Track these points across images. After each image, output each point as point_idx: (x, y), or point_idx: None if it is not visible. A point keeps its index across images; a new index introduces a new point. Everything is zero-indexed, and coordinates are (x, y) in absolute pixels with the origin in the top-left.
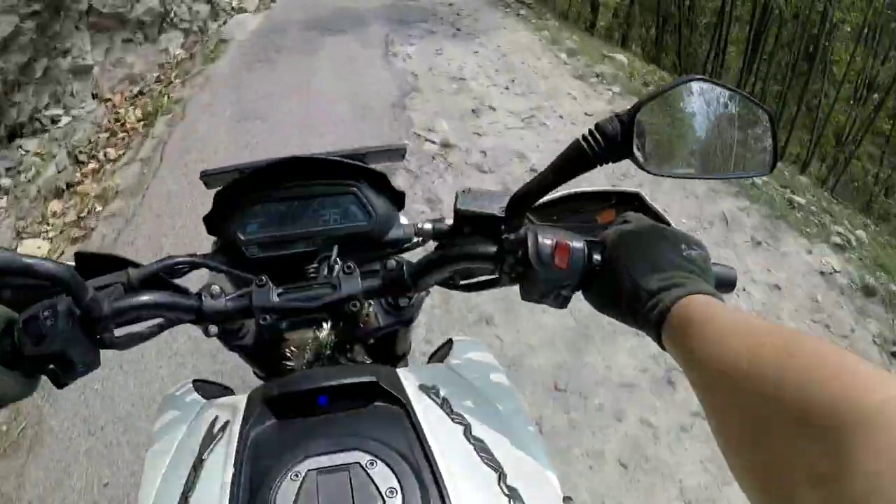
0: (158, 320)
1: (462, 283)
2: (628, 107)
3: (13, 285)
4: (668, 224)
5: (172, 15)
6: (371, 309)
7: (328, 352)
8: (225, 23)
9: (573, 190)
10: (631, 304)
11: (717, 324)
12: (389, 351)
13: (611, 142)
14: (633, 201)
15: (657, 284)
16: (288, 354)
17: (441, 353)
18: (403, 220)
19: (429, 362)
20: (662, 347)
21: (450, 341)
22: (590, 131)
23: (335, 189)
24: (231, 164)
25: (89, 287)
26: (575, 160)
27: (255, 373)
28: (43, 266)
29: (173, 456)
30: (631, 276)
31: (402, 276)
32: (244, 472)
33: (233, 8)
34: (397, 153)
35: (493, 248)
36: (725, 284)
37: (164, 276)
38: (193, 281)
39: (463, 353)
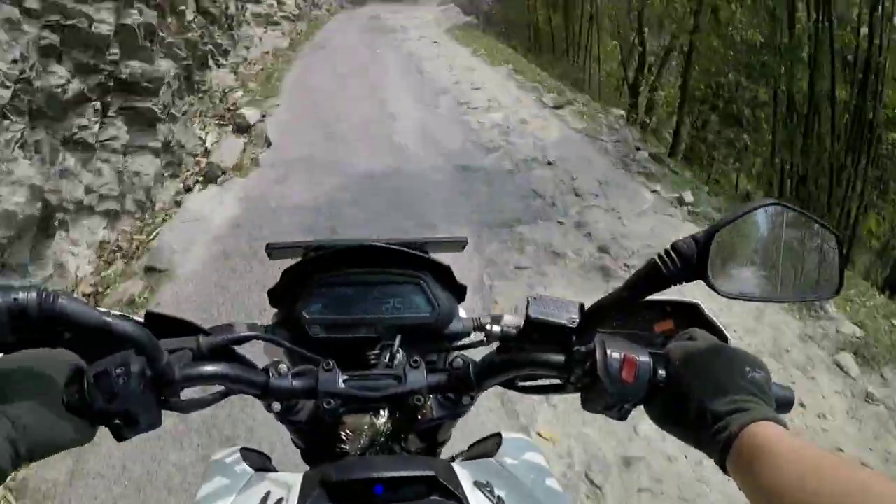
0: (222, 388)
1: (523, 384)
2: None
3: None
4: (726, 337)
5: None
6: (429, 402)
7: (382, 439)
8: (176, 207)
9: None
10: (695, 425)
11: (783, 454)
12: (433, 438)
13: (686, 262)
14: (690, 312)
15: (723, 408)
16: (343, 437)
17: (487, 446)
18: (462, 312)
19: (469, 448)
20: (725, 472)
21: (498, 435)
22: (666, 251)
23: (401, 278)
24: (297, 241)
25: (164, 352)
26: (650, 278)
27: (297, 447)
28: (122, 327)
29: None
30: (697, 397)
31: (468, 376)
32: None
33: (200, 170)
34: (457, 245)
35: (562, 358)
36: (784, 405)
37: (232, 346)
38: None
39: (513, 451)
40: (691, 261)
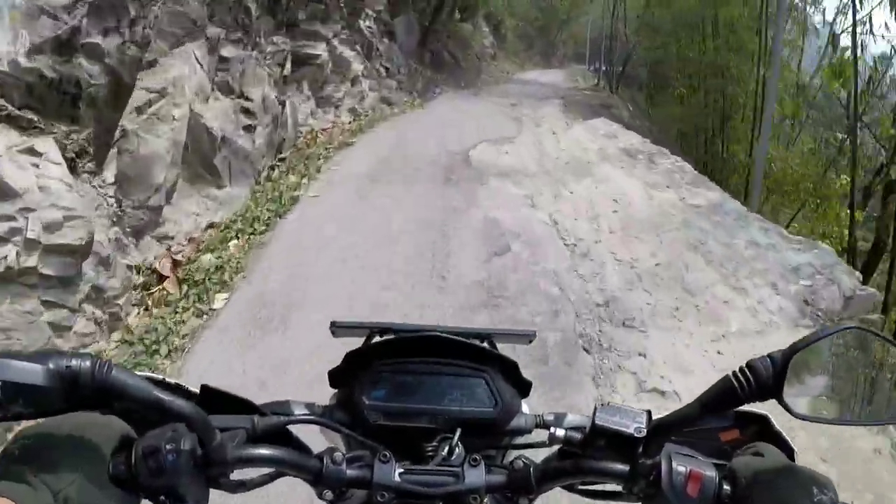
0: (272, 470)
1: (583, 488)
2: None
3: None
4: (792, 450)
5: None
6: (485, 501)
7: None
8: None
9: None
10: None
11: None
12: None
13: (761, 382)
14: (758, 423)
15: None
16: None
17: None
18: (525, 408)
19: None
20: None
21: None
22: (741, 369)
23: (465, 371)
24: (362, 322)
25: (217, 432)
26: (723, 396)
27: None
28: (175, 405)
29: None
30: None
31: (529, 479)
32: None
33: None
34: (525, 338)
35: (626, 468)
36: None
37: (287, 429)
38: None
39: None
40: (767, 381)
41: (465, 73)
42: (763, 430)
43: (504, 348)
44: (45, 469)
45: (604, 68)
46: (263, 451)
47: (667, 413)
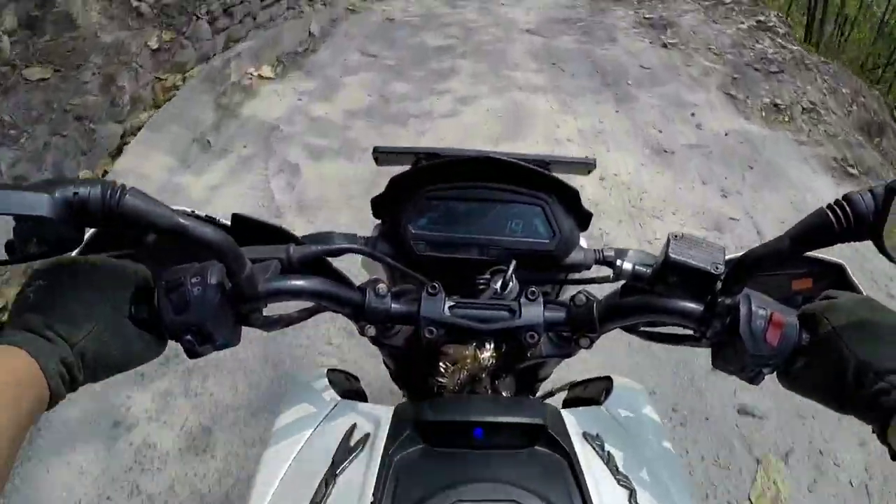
0: (310, 305)
1: (647, 329)
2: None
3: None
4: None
5: None
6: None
7: (483, 375)
8: None
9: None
10: (853, 384)
11: None
12: (533, 375)
13: (860, 219)
14: (833, 273)
15: (888, 364)
16: (442, 369)
17: (593, 390)
18: (583, 242)
19: (571, 388)
20: (884, 440)
21: (608, 379)
22: (837, 202)
23: (522, 199)
24: (407, 147)
25: (247, 262)
26: (816, 231)
27: (388, 367)
28: (199, 230)
29: (300, 457)
30: (854, 354)
31: (591, 316)
32: (385, 501)
33: None
34: (585, 167)
35: (700, 308)
36: None
37: (326, 258)
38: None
39: (625, 401)
40: (867, 217)
41: None
42: (838, 280)
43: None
44: (61, 318)
45: None
46: (298, 282)
47: (749, 250)
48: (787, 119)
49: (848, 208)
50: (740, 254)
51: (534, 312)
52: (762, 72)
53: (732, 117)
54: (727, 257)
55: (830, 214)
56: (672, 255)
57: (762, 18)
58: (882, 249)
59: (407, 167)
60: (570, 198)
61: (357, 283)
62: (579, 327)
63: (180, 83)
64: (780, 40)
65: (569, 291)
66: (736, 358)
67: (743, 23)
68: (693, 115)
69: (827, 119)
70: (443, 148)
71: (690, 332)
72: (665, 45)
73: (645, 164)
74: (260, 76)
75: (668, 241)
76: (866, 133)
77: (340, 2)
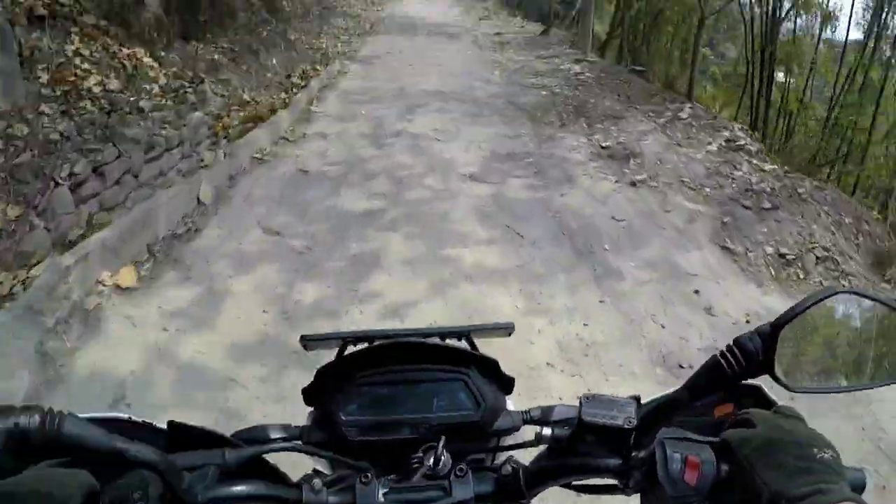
0: None
1: (578, 483)
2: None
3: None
4: (798, 418)
5: None
6: None
7: None
8: None
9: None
10: None
11: None
12: None
13: (751, 359)
14: (751, 394)
15: (798, 491)
16: None
17: None
18: (510, 404)
19: None
20: None
21: None
22: (728, 348)
23: (444, 375)
24: (333, 333)
25: (185, 475)
26: (712, 377)
27: None
28: (136, 453)
29: None
30: (768, 485)
31: (519, 484)
32: None
33: None
34: (504, 331)
35: (619, 461)
36: (856, 488)
37: (262, 457)
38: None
39: None
40: (756, 357)
41: (291, 26)
42: (758, 401)
43: (482, 344)
44: None
45: None
46: (236, 487)
47: (655, 398)
48: (801, 276)
49: (738, 352)
50: (652, 398)
51: (464, 489)
52: (753, 209)
53: (742, 286)
54: (644, 401)
55: (723, 361)
56: (585, 418)
57: (727, 135)
58: (779, 382)
59: (335, 350)
60: (489, 367)
61: (299, 466)
62: (509, 496)
63: (18, 289)
64: (755, 161)
65: (503, 456)
66: (661, 501)
67: (710, 143)
68: (697, 292)
69: (845, 267)
70: (369, 330)
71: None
72: (634, 184)
73: None
74: (116, 285)
75: (580, 402)
76: (877, 267)
77: (245, 149)
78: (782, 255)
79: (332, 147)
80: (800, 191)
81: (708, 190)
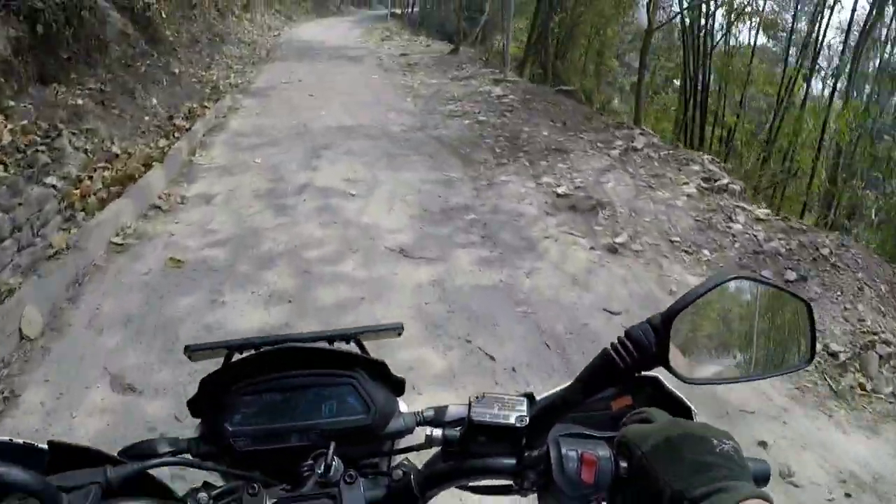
0: None
1: (473, 484)
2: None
3: None
4: (689, 409)
5: None
6: None
7: None
8: None
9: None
10: None
11: None
12: None
13: (643, 351)
14: (649, 385)
15: (699, 491)
16: None
17: None
18: (403, 406)
19: None
20: None
21: None
22: (620, 340)
23: (331, 380)
24: (218, 340)
25: (62, 496)
26: (604, 372)
27: None
28: (14, 476)
29: None
30: (669, 485)
31: (410, 488)
32: None
33: None
34: (393, 331)
35: (513, 461)
36: (760, 480)
37: (148, 473)
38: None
39: None
40: (649, 349)
41: (176, 57)
42: (656, 392)
43: (371, 346)
44: None
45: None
46: None
47: (548, 394)
48: (865, 386)
49: (629, 344)
50: (545, 395)
51: (355, 495)
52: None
53: (812, 417)
54: (539, 397)
55: (614, 354)
56: (475, 418)
57: (698, 169)
58: (673, 373)
59: (220, 360)
60: (378, 369)
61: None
62: (401, 501)
63: None
64: (745, 206)
65: (397, 460)
66: (559, 499)
67: (685, 182)
68: (763, 444)
69: None
70: (254, 337)
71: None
72: (613, 250)
73: None
74: None
75: (469, 402)
76: None
77: (103, 229)
78: (833, 355)
79: (217, 217)
80: (823, 251)
81: (707, 252)
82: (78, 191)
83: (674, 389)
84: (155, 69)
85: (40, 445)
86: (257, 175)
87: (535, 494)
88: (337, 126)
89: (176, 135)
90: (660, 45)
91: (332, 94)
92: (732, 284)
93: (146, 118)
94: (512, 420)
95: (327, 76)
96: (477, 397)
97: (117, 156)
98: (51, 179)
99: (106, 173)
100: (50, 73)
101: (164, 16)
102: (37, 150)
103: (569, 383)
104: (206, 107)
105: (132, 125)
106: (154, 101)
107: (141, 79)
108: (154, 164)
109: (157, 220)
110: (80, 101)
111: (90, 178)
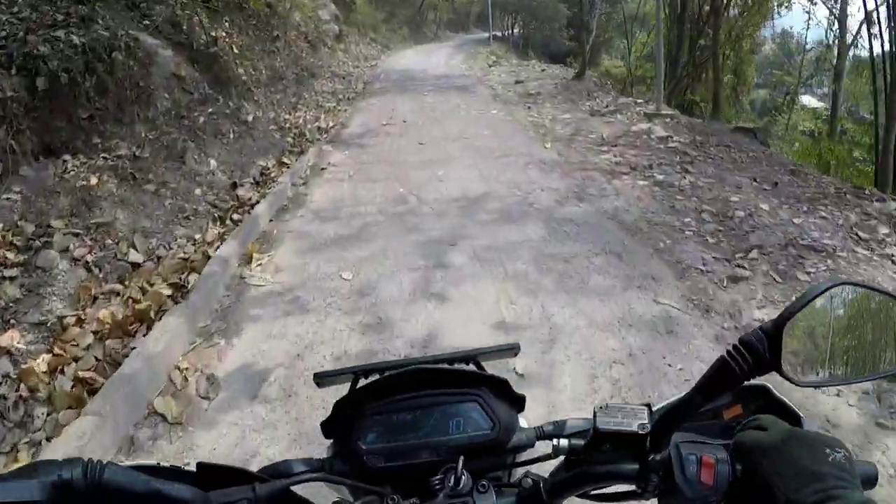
0: None
1: (595, 493)
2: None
3: None
4: (799, 416)
5: None
6: None
7: None
8: None
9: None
10: None
11: None
12: None
13: (757, 357)
14: (759, 395)
15: (812, 498)
16: None
17: None
18: (523, 422)
19: None
20: None
21: None
22: (735, 347)
23: (457, 398)
24: (346, 367)
25: None
26: (721, 378)
27: None
28: (173, 492)
29: None
30: (781, 491)
31: (540, 496)
32: None
33: None
34: (510, 351)
35: (636, 467)
36: (868, 483)
37: (290, 489)
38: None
39: None
40: (763, 355)
41: (250, 100)
42: (766, 401)
43: (490, 366)
44: None
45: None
46: None
47: (665, 403)
48: None
49: (745, 351)
50: (665, 403)
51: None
52: None
53: None
54: (655, 407)
55: (731, 361)
56: (600, 426)
57: None
58: (787, 378)
59: (347, 385)
60: (500, 387)
61: (326, 501)
62: None
63: None
64: None
65: (519, 472)
66: (681, 502)
67: None
68: None
69: None
70: (379, 362)
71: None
72: None
73: None
74: None
75: (595, 412)
76: None
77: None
78: None
79: (267, 437)
80: None
81: None
82: (44, 370)
83: (783, 397)
84: (220, 118)
85: (189, 468)
86: (344, 317)
87: (656, 500)
88: (461, 197)
89: (236, 216)
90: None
91: (447, 141)
92: (839, 290)
93: (197, 191)
94: (635, 427)
95: (436, 113)
96: (601, 407)
97: (137, 265)
98: (4, 340)
99: (103, 313)
100: (59, 140)
101: (235, 51)
102: (1, 278)
103: (686, 392)
104: (285, 163)
105: (173, 205)
106: (213, 163)
107: (196, 132)
108: (190, 282)
109: (155, 451)
110: (94, 180)
111: (81, 320)
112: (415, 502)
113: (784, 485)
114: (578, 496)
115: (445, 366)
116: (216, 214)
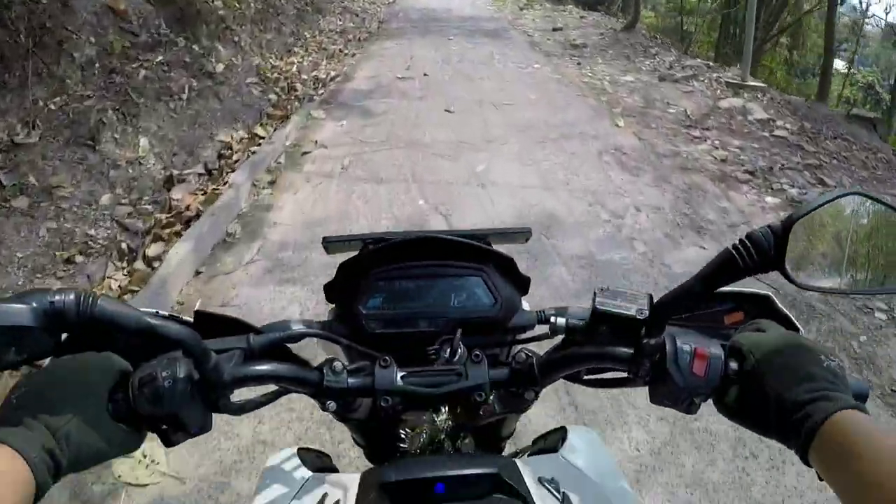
0: (275, 388)
1: (587, 377)
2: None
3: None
4: (798, 328)
5: None
6: (491, 397)
7: (443, 436)
8: None
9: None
10: (774, 416)
11: (876, 444)
12: (495, 434)
13: (763, 253)
14: (761, 303)
15: (804, 396)
16: (402, 436)
17: (552, 441)
18: (525, 305)
19: (533, 444)
20: (807, 463)
21: (563, 429)
22: (741, 241)
23: (462, 271)
24: (354, 234)
25: (212, 354)
26: (725, 269)
27: (358, 445)
28: (167, 329)
29: None
30: (774, 387)
31: (532, 370)
32: None
33: None
34: (522, 235)
35: (630, 351)
36: (859, 398)
37: (284, 344)
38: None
39: (579, 445)
40: (768, 252)
41: (223, 41)
42: (767, 310)
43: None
44: (42, 410)
45: None
46: (260, 367)
47: (668, 293)
48: None
49: (750, 245)
50: (665, 294)
51: (479, 373)
52: None
53: None
54: (657, 298)
55: (735, 253)
56: (599, 307)
57: None
58: (788, 277)
59: (355, 253)
60: (506, 266)
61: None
62: (522, 383)
63: None
64: None
65: (516, 351)
66: (669, 391)
67: None
68: None
69: None
70: (388, 231)
71: (627, 375)
72: None
73: None
74: None
75: (594, 294)
76: None
77: None
78: None
79: None
80: None
81: None
82: None
83: (784, 308)
84: (174, 70)
85: (186, 317)
86: None
87: (647, 389)
88: (518, 223)
89: (153, 248)
90: None
91: (484, 109)
92: (851, 199)
93: (104, 199)
94: (633, 312)
95: (465, 66)
96: (601, 289)
97: None
98: None
99: None
100: None
101: None
102: None
103: (688, 280)
104: (258, 137)
105: (51, 235)
106: (144, 142)
107: (128, 96)
108: None
109: None
110: None
111: None
112: (408, 368)
113: (777, 383)
114: (571, 380)
115: (455, 238)
116: (124, 245)
